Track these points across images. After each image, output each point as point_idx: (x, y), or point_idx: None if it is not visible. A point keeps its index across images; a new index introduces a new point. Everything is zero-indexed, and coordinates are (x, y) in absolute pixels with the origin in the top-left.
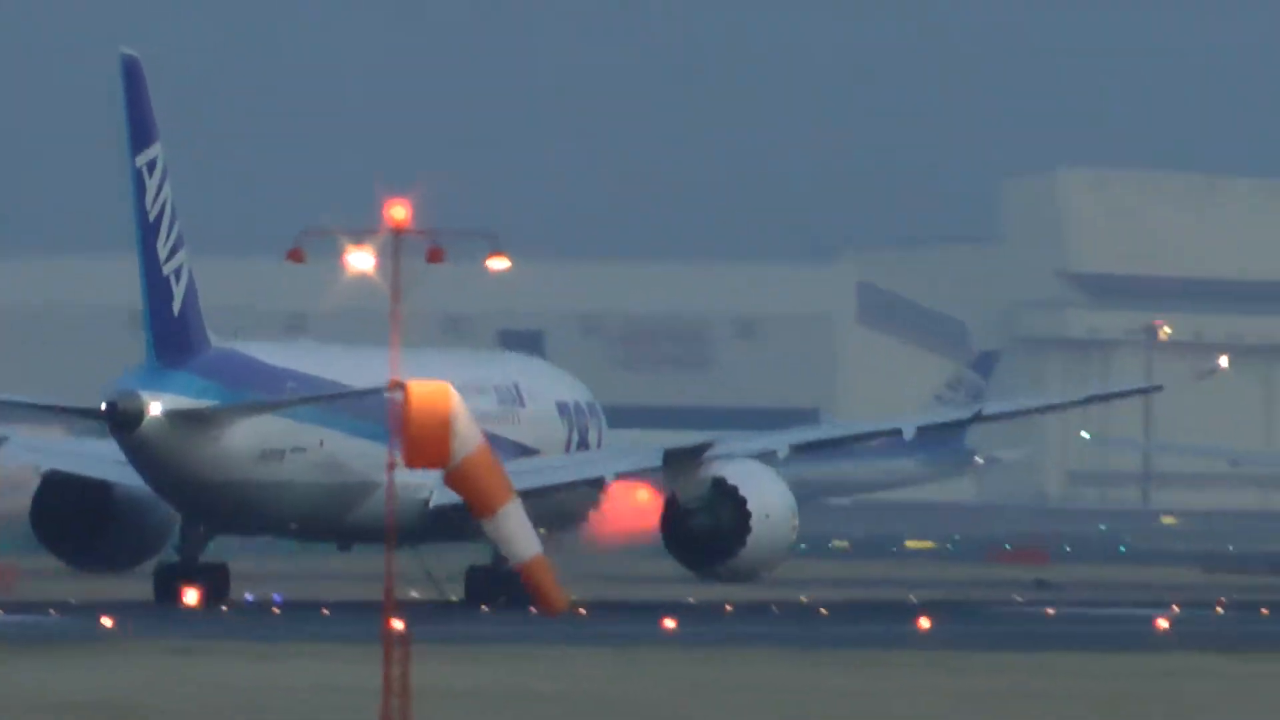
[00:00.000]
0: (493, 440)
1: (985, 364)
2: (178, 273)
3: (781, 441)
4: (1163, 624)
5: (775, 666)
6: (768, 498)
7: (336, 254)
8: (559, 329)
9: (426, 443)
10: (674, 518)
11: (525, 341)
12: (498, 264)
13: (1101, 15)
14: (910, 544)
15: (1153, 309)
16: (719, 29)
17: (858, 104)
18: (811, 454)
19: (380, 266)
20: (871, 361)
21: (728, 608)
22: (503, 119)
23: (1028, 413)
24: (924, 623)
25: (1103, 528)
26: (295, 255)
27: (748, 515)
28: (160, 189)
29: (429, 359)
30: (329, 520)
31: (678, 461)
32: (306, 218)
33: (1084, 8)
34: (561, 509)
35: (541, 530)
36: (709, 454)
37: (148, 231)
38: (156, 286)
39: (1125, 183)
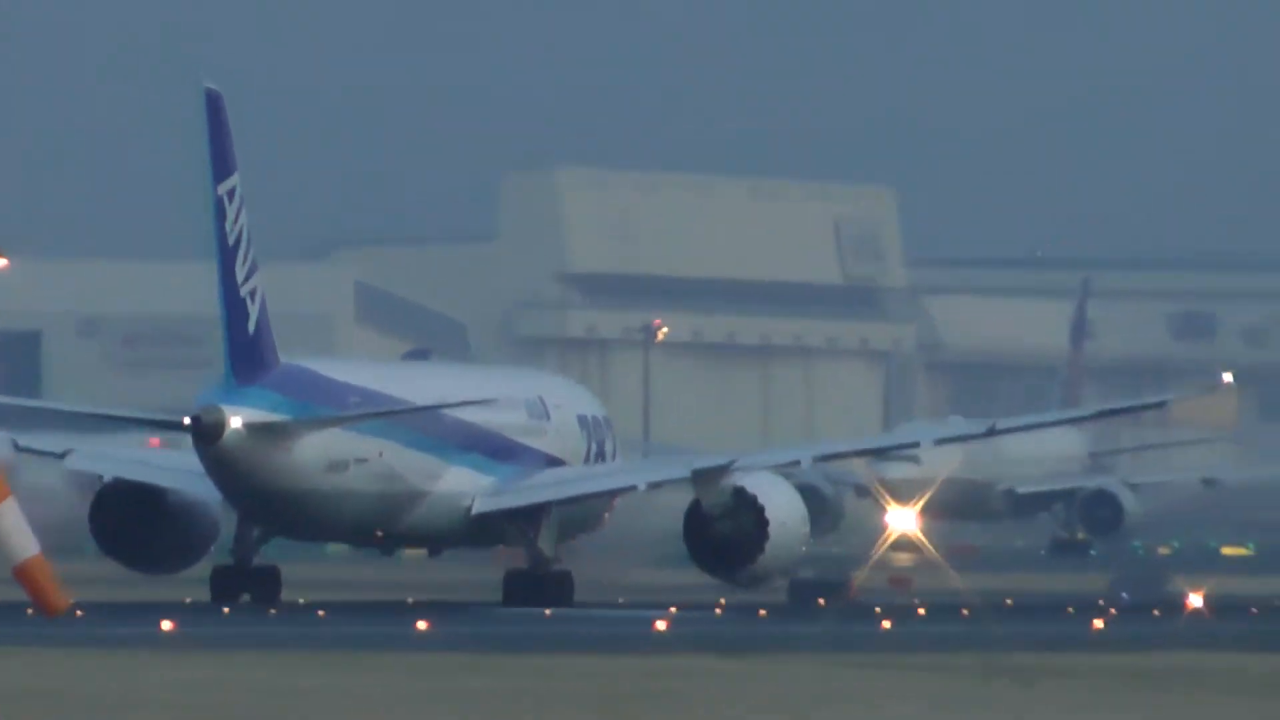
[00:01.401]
0: (523, 451)
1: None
2: (253, 294)
3: (806, 454)
4: (661, 625)
5: (257, 668)
6: (784, 507)
7: None
8: (56, 330)
9: None
10: (698, 526)
11: (23, 342)
12: None
13: (601, 12)
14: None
15: (651, 308)
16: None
17: (355, 99)
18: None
19: None
20: None
21: (225, 610)
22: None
23: (1039, 426)
24: (421, 625)
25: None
26: None
27: (766, 523)
28: (239, 215)
29: (462, 375)
30: (382, 527)
31: (704, 474)
32: None
33: (574, 8)
34: (584, 516)
35: (563, 537)
36: (733, 465)
37: (227, 255)
38: (234, 306)
39: (623, 183)
